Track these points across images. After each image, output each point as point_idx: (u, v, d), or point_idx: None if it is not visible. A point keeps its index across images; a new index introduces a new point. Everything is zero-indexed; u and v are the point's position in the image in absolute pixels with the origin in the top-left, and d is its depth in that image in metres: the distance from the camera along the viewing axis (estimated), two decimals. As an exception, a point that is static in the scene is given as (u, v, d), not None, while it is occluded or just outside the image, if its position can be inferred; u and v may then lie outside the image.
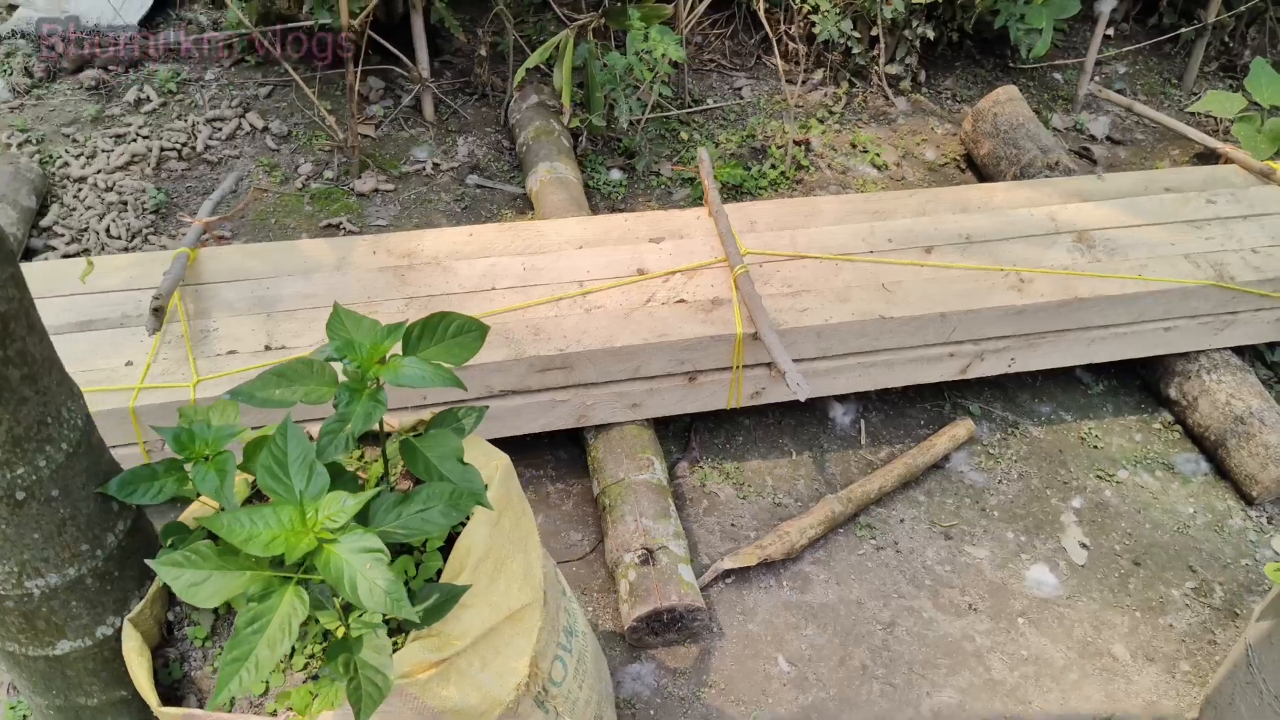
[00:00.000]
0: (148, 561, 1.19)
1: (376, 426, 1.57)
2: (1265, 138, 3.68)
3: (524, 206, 3.41)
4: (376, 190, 3.37)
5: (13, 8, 3.90)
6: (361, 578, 1.12)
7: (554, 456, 2.68)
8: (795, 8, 3.96)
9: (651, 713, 2.18)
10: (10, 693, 2.02)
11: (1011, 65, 4.35)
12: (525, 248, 2.58)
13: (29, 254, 3.01)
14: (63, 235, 3.07)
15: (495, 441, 2.52)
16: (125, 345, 2.25)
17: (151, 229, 3.12)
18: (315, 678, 1.35)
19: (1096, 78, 4.39)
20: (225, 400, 1.38)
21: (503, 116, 3.70)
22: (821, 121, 3.92)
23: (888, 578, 2.48)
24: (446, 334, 1.45)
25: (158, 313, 2.14)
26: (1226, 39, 4.55)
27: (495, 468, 1.54)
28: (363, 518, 1.26)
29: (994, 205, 2.84)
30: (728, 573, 2.43)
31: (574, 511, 2.56)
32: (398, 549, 1.46)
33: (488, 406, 1.55)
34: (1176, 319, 2.73)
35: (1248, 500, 2.74)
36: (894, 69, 4.06)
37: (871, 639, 2.35)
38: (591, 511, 2.55)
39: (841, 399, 2.88)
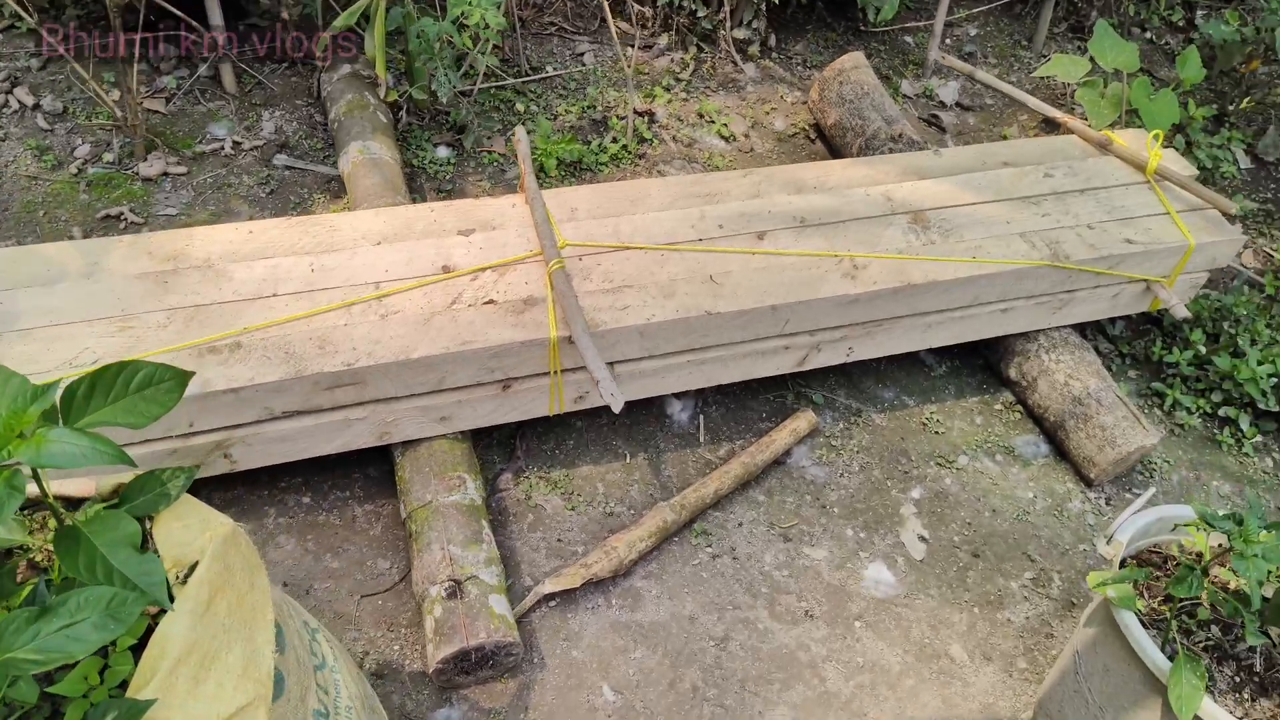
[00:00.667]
0: None
1: (68, 491, 1.31)
2: (1108, 103, 3.66)
3: (339, 190, 3.10)
4: (165, 174, 3.01)
5: None
6: (-47, 739, 0.87)
7: (363, 474, 2.43)
8: (635, -33, 3.72)
9: (462, 760, 2.00)
10: None
11: (863, 28, 4.22)
12: (315, 246, 2.30)
13: None
14: None
15: (287, 465, 2.29)
16: None
17: (-112, 227, 2.70)
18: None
19: (947, 40, 4.31)
20: None
21: (314, 88, 3.36)
22: (668, 90, 3.71)
23: (723, 588, 2.35)
24: (129, 388, 1.20)
25: None
26: None
27: (210, 539, 1.30)
28: (-10, 640, 1.01)
29: (830, 184, 2.70)
30: (550, 596, 2.25)
31: (383, 536, 2.33)
32: (79, 651, 1.21)
33: (198, 466, 1.31)
34: (1014, 300, 2.66)
35: (1087, 482, 2.72)
36: (742, 33, 3.87)
37: (704, 657, 2.22)
38: (403, 535, 2.32)
39: (679, 394, 2.71)
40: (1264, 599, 1.64)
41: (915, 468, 2.69)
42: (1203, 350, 2.99)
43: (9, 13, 3.34)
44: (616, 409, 2.02)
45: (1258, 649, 1.74)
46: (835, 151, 3.55)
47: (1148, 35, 4.58)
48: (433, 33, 2.93)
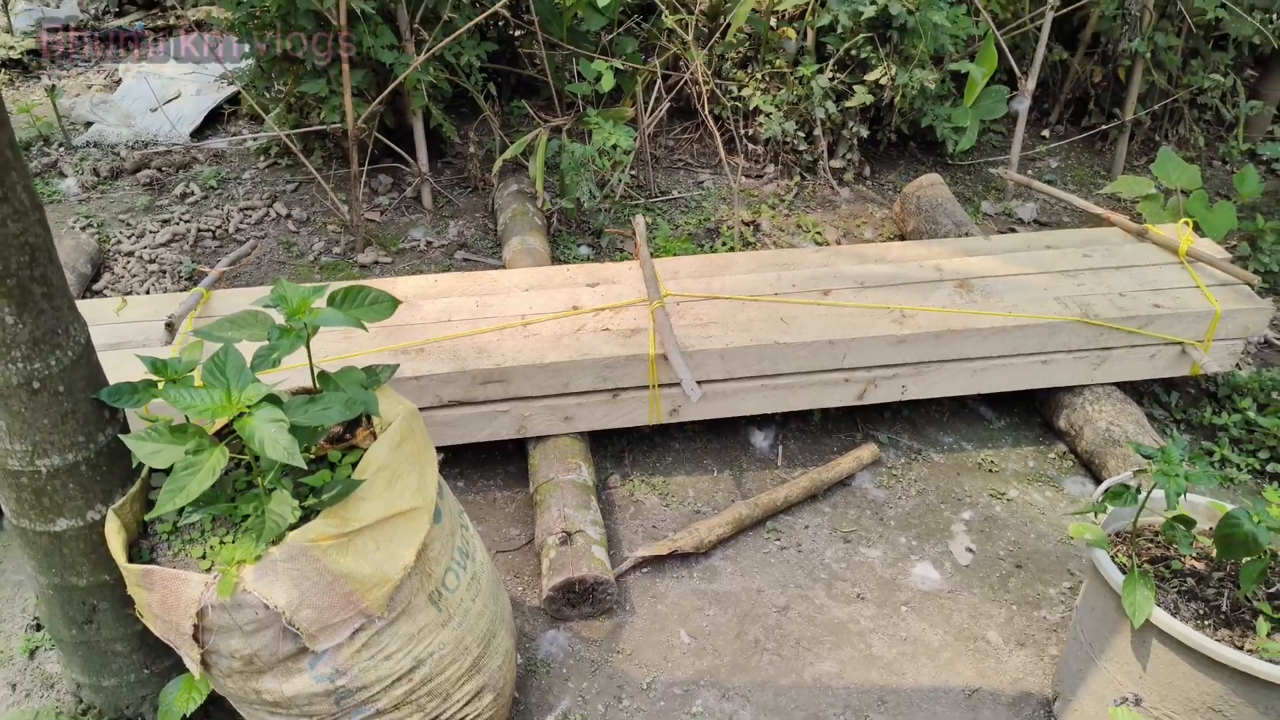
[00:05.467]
0: (121, 436, 1.64)
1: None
2: (1168, 214, 4.11)
3: (502, 276, 3.93)
4: (376, 262, 3.94)
5: (89, 124, 4.66)
6: (268, 437, 1.55)
7: (504, 470, 3.09)
8: (750, 111, 4.56)
9: (564, 671, 2.51)
10: (28, 630, 2.43)
11: (949, 162, 4.88)
12: (480, 291, 3.08)
13: (81, 311, 3.59)
14: (110, 297, 3.66)
15: (451, 448, 2.97)
16: (145, 361, 2.75)
17: (184, 291, 3.70)
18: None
19: (1028, 171, 4.89)
20: (195, 343, 1.86)
21: (490, 204, 4.29)
22: (772, 208, 4.45)
23: (787, 572, 2.81)
24: (365, 301, 1.93)
25: (169, 328, 2.66)
26: (1153, 134, 5.04)
27: (401, 411, 1.98)
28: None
29: (890, 259, 3.29)
30: (644, 561, 2.78)
31: (516, 513, 2.95)
32: (318, 462, 1.89)
33: (399, 364, 2.00)
34: (1051, 353, 3.10)
35: (1128, 515, 3.02)
36: (838, 163, 4.60)
37: (766, 620, 2.66)
38: (530, 513, 2.93)
39: (761, 426, 3.26)
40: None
41: (968, 496, 3.09)
42: (1252, 415, 3.28)
43: (274, 150, 4.50)
44: (694, 399, 2.61)
45: (1225, 593, 2.07)
46: (915, 254, 4.13)
47: (1223, 164, 4.99)
48: (579, 155, 3.80)
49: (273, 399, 1.62)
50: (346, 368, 1.86)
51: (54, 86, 4.52)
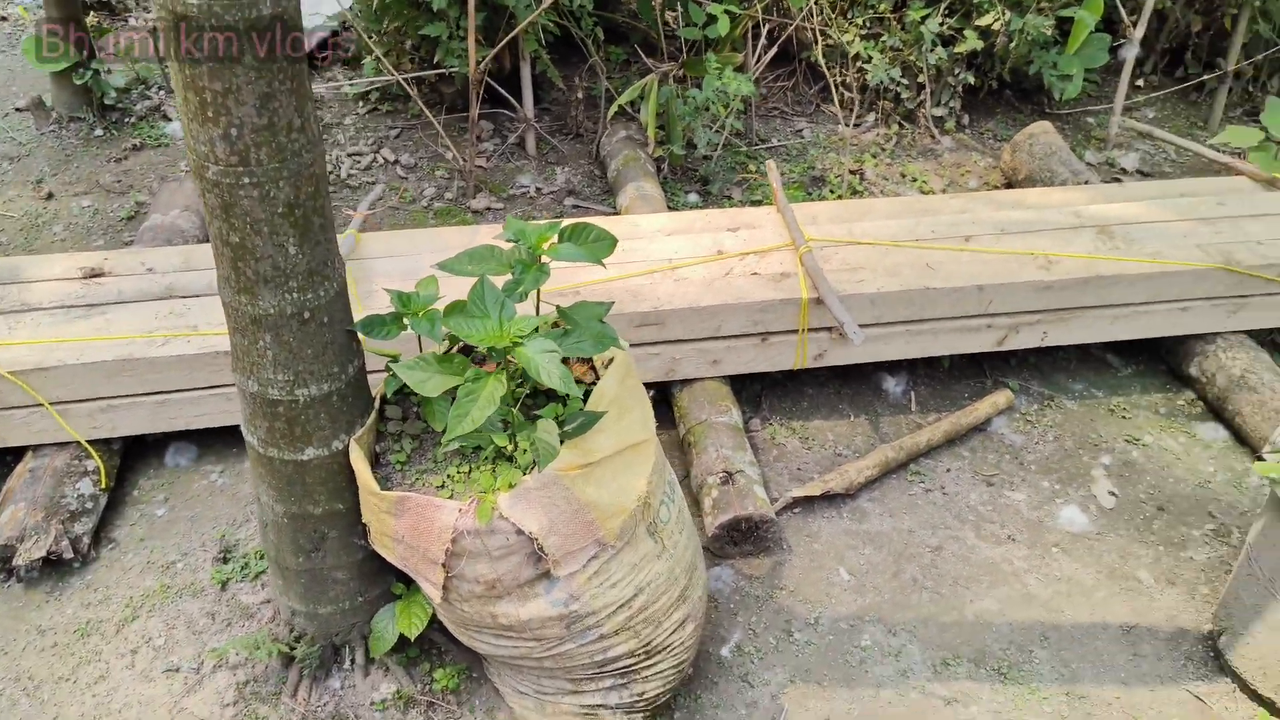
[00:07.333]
0: (391, 365, 1.68)
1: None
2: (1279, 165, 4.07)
3: (614, 222, 3.94)
4: (488, 209, 3.95)
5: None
6: (543, 366, 1.59)
7: (644, 413, 3.12)
8: (850, 57, 4.52)
9: (732, 606, 2.57)
10: (214, 563, 2.50)
11: (1047, 111, 4.83)
12: (622, 234, 3.06)
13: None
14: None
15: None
16: (305, 301, 2.78)
17: (305, 236, 3.72)
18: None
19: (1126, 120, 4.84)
20: (429, 277, 1.89)
21: (594, 150, 4.28)
22: (874, 157, 4.42)
23: (935, 514, 2.85)
24: (587, 238, 1.95)
25: (338, 269, 2.69)
26: (1249, 87, 4.98)
27: (620, 349, 2.01)
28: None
29: (1027, 204, 3.28)
30: (795, 502, 2.83)
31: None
32: (549, 396, 1.93)
33: (614, 301, 2.03)
34: (1191, 300, 3.11)
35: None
36: (939, 111, 4.56)
37: (921, 559, 2.72)
38: (676, 455, 2.97)
39: (893, 372, 3.29)
40: None
41: (1104, 442, 3.12)
42: (1382, 363, 3.29)
43: (374, 96, 4.49)
44: (857, 342, 2.64)
45: None
46: (1024, 203, 4.12)
47: (1325, 116, 4.93)
48: (699, 99, 3.79)
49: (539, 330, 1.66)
50: (581, 302, 1.89)
51: (155, 29, 4.50)
